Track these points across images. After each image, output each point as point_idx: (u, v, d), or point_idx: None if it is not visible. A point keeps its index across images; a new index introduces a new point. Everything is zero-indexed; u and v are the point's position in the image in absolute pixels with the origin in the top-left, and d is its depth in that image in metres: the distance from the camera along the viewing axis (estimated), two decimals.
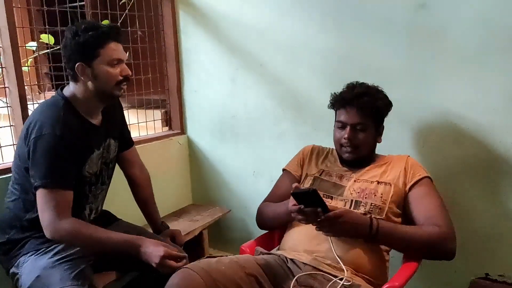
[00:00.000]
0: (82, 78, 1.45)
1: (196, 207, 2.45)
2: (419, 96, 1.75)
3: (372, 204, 1.47)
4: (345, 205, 1.49)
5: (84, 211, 1.55)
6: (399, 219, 1.51)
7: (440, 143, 1.75)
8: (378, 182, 1.52)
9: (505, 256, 1.68)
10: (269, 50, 2.11)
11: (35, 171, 1.40)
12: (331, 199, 1.53)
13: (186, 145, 2.51)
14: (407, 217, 1.51)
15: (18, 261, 1.45)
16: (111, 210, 1.76)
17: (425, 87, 1.73)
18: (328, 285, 1.33)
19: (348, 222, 1.35)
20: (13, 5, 1.71)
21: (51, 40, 2.01)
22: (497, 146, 1.63)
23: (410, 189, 1.50)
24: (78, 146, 1.45)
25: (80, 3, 2.19)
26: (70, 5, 2.10)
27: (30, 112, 1.76)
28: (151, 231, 1.75)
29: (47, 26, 1.96)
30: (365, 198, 1.49)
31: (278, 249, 1.59)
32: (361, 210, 1.46)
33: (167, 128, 2.53)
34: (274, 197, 1.68)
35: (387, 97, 1.57)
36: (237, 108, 2.28)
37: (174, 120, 2.51)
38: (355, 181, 1.55)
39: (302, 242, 1.48)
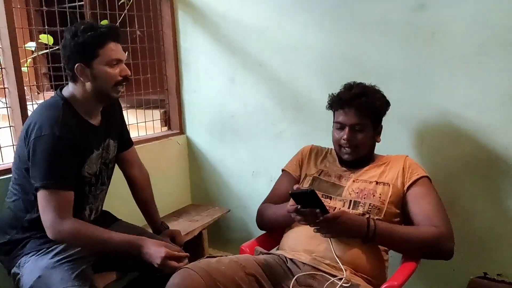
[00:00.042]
0: (81, 78, 1.45)
1: (195, 207, 2.46)
2: (418, 96, 1.76)
3: (371, 205, 1.47)
4: (343, 205, 1.50)
5: (84, 212, 1.55)
6: (398, 219, 1.52)
7: (438, 143, 1.75)
8: (377, 183, 1.52)
9: (503, 255, 1.69)
10: (268, 50, 2.11)
11: (35, 172, 1.40)
12: (330, 199, 1.54)
13: (185, 145, 2.52)
14: (406, 217, 1.52)
15: (19, 261, 1.46)
16: (111, 210, 1.77)
17: (424, 87, 1.74)
18: (326, 285, 1.34)
19: (346, 223, 1.36)
20: (13, 5, 1.71)
21: (50, 40, 2.01)
22: (496, 146, 1.63)
23: (408, 188, 1.51)
24: (78, 146, 1.45)
25: (79, 3, 2.19)
26: (69, 5, 2.10)
27: (29, 113, 1.76)
28: (151, 231, 1.76)
29: (46, 27, 1.96)
30: (364, 198, 1.49)
31: (278, 249, 1.60)
32: (360, 210, 1.47)
33: (166, 128, 2.54)
34: (273, 198, 1.69)
35: (384, 97, 1.58)
36: (236, 108, 2.28)
37: (173, 120, 2.51)
38: (354, 181, 1.56)
39: (302, 242, 1.48)
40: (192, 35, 2.35)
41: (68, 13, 1.99)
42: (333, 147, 1.65)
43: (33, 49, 2.13)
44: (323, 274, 1.38)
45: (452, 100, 1.69)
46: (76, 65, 1.43)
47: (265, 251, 1.57)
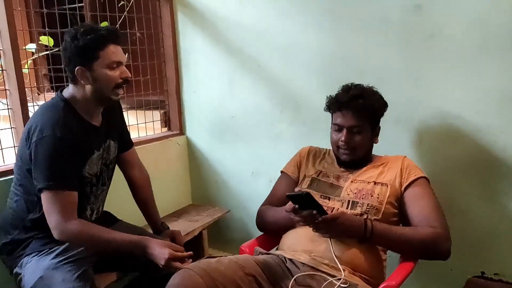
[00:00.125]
0: (81, 81, 1.46)
1: (195, 207, 2.47)
2: (416, 97, 1.77)
3: (369, 205, 1.48)
4: (342, 206, 1.51)
5: (85, 212, 1.57)
6: (396, 219, 1.53)
7: (436, 144, 1.76)
8: (375, 183, 1.54)
9: (500, 255, 1.70)
10: (267, 51, 2.12)
11: (38, 173, 1.41)
12: (329, 200, 1.55)
13: (185, 145, 2.53)
14: (404, 217, 1.53)
15: (21, 261, 1.47)
16: (111, 211, 1.78)
17: (422, 88, 1.75)
18: (324, 285, 1.35)
19: (345, 224, 1.38)
20: (13, 8, 1.72)
21: (51, 42, 2.02)
22: (493, 147, 1.65)
23: (405, 189, 1.52)
24: (79, 147, 1.46)
25: (79, 5, 2.20)
26: (69, 6, 2.10)
27: (30, 114, 1.77)
28: (151, 232, 1.77)
29: (46, 28, 1.97)
30: (362, 198, 1.50)
31: (277, 249, 1.61)
32: (358, 210, 1.48)
33: (166, 129, 2.55)
34: (273, 199, 1.70)
35: (382, 98, 1.59)
36: (236, 109, 2.29)
37: (173, 121, 2.52)
38: (352, 181, 1.57)
39: (301, 242, 1.49)
40: (192, 36, 2.36)
41: (68, 15, 1.99)
42: (331, 148, 1.67)
43: (33, 50, 2.14)
44: (322, 274, 1.39)
45: (450, 100, 1.70)
46: (76, 68, 1.44)
47: (265, 251, 1.58)
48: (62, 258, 1.43)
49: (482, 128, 1.65)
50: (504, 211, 1.67)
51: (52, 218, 1.40)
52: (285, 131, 2.15)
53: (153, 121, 2.42)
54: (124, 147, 1.75)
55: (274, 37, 2.08)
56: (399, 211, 1.53)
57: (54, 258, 1.43)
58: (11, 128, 1.79)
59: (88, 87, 1.47)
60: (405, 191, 1.52)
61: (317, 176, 1.64)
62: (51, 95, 1.81)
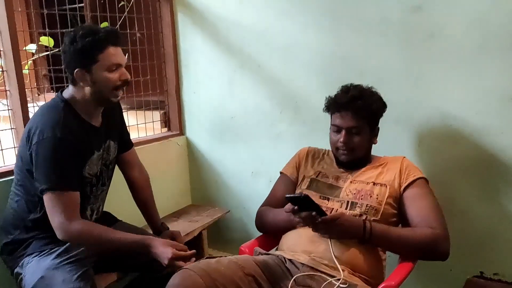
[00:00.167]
0: (81, 83, 1.46)
1: (195, 208, 2.47)
2: (416, 97, 1.77)
3: (368, 205, 1.49)
4: (341, 206, 1.52)
5: (85, 212, 1.57)
6: (395, 219, 1.53)
7: (436, 144, 1.77)
8: (374, 183, 1.54)
9: (499, 255, 1.70)
10: (267, 51, 2.12)
11: (39, 175, 1.41)
12: (328, 201, 1.55)
13: (185, 146, 2.53)
14: (403, 218, 1.54)
15: (22, 262, 1.48)
16: (111, 211, 1.78)
17: (421, 88, 1.75)
18: (323, 285, 1.35)
19: (344, 225, 1.38)
20: (14, 9, 1.73)
21: (51, 42, 2.02)
22: (493, 147, 1.65)
23: (404, 190, 1.52)
24: (79, 147, 1.46)
25: (79, 5, 2.20)
26: (69, 6, 2.10)
27: (30, 115, 1.77)
28: (151, 232, 1.77)
29: (47, 29, 1.97)
30: (361, 199, 1.51)
31: (277, 249, 1.62)
32: (357, 211, 1.48)
33: (166, 129, 2.55)
34: (272, 200, 1.71)
35: (381, 99, 1.59)
36: (236, 109, 2.30)
37: (173, 121, 2.52)
38: (351, 182, 1.57)
39: (300, 243, 1.50)
40: (192, 36, 2.36)
41: (68, 15, 2.00)
42: (330, 148, 1.67)
43: (33, 51, 2.14)
44: (322, 274, 1.40)
45: (450, 101, 1.70)
46: (75, 70, 1.44)
47: (264, 251, 1.58)
48: (63, 258, 1.44)
49: (482, 129, 1.66)
50: (503, 212, 1.67)
51: (55, 219, 1.41)
52: (285, 131, 2.16)
53: (153, 122, 2.42)
54: (124, 148, 1.76)
55: (274, 37, 2.08)
56: (398, 212, 1.54)
57: (55, 258, 1.44)
58: (11, 128, 1.79)
59: (87, 89, 1.47)
60: (404, 192, 1.52)
61: (316, 176, 1.64)
62: (51, 96, 1.82)
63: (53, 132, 1.40)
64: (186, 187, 2.56)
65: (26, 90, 1.79)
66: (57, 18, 1.97)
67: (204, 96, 2.40)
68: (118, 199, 1.82)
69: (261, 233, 1.74)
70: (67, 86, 1.54)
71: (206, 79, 2.37)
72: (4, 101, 1.83)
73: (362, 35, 1.85)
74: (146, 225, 1.84)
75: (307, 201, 1.34)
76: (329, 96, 1.61)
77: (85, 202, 1.55)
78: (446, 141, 1.74)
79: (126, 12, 2.26)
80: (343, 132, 1.54)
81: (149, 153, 2.21)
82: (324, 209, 1.43)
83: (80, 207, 1.49)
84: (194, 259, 1.44)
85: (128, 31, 2.26)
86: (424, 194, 1.51)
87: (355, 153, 1.57)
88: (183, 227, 2.14)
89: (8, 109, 1.79)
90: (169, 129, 2.55)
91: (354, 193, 1.53)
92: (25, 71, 1.90)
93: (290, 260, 1.47)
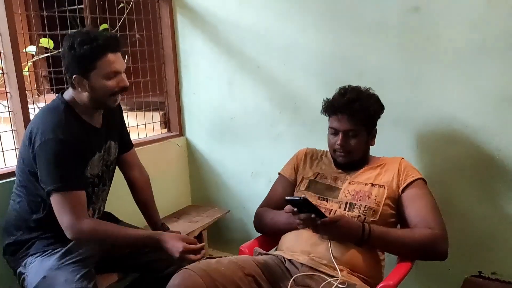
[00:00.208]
0: (79, 88, 1.47)
1: (195, 208, 2.48)
2: (415, 98, 1.78)
3: (366, 207, 1.50)
4: (339, 207, 1.53)
5: (87, 212, 1.58)
6: (394, 220, 1.54)
7: (435, 144, 1.77)
8: (372, 185, 1.55)
9: (497, 254, 1.71)
10: (266, 52, 2.13)
11: (44, 176, 1.42)
12: (326, 202, 1.56)
13: (185, 146, 2.54)
14: (401, 218, 1.55)
15: (25, 261, 1.49)
16: (112, 211, 1.78)
17: (420, 89, 1.76)
18: (322, 285, 1.37)
19: (344, 227, 1.40)
20: (14, 11, 1.73)
21: (51, 44, 2.03)
22: (491, 147, 1.66)
23: (403, 190, 1.53)
24: (81, 148, 1.47)
25: (79, 7, 2.21)
26: (69, 8, 2.11)
27: (31, 116, 1.78)
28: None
29: (46, 31, 1.98)
30: (359, 200, 1.52)
31: (276, 250, 1.63)
32: (355, 212, 1.49)
33: (166, 130, 2.56)
34: (270, 201, 1.72)
35: (379, 101, 1.59)
36: (235, 110, 2.30)
37: (173, 122, 2.53)
38: (349, 183, 1.58)
39: (300, 243, 1.51)
40: (191, 38, 2.37)
41: (68, 17, 2.00)
42: (328, 150, 1.68)
43: (33, 53, 2.15)
44: (321, 274, 1.41)
45: (448, 101, 1.71)
46: (73, 76, 1.44)
47: (264, 251, 1.59)
48: (65, 259, 1.45)
49: (480, 129, 1.66)
50: (502, 212, 1.68)
51: (64, 219, 1.42)
52: (284, 132, 2.17)
53: (152, 123, 2.43)
54: (124, 149, 1.77)
55: (274, 38, 2.09)
56: (396, 212, 1.55)
57: (57, 258, 1.45)
58: (12, 130, 1.80)
59: (85, 94, 1.47)
60: (402, 193, 1.53)
61: (315, 178, 1.65)
62: (51, 97, 1.82)
63: (55, 134, 1.41)
64: (186, 187, 2.57)
65: (26, 91, 1.79)
66: (57, 19, 1.98)
67: (203, 97, 2.41)
68: (119, 200, 1.82)
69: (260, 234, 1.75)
70: (68, 87, 1.55)
71: (206, 80, 2.37)
72: (4, 102, 1.83)
73: (361, 36, 1.85)
74: (146, 225, 1.85)
75: (307, 205, 1.35)
76: (327, 99, 1.61)
77: (87, 203, 1.56)
78: (445, 141, 1.75)
79: (125, 14, 2.27)
80: (340, 135, 1.55)
81: (149, 154, 2.22)
82: (323, 210, 1.44)
83: None
84: (203, 251, 1.46)
85: (127, 32, 2.27)
86: (423, 194, 1.51)
87: (352, 155, 1.57)
88: (183, 227, 2.15)
89: (9, 111, 1.79)
90: (169, 130, 2.56)
91: (353, 194, 1.54)
92: (25, 73, 1.91)
93: (289, 260, 1.48)
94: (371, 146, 1.64)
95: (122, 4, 2.27)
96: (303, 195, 1.46)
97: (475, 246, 1.75)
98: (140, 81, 2.34)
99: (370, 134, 1.60)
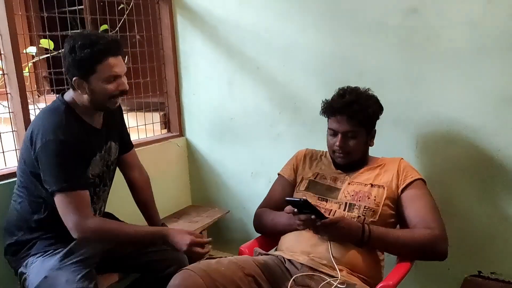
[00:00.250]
0: (78, 90, 1.47)
1: (195, 208, 2.48)
2: (414, 98, 1.78)
3: (366, 207, 1.50)
4: (339, 208, 1.53)
5: None
6: (393, 220, 1.55)
7: (435, 145, 1.78)
8: (372, 185, 1.55)
9: (497, 254, 1.72)
10: (266, 53, 2.14)
11: (48, 177, 1.42)
12: (326, 202, 1.57)
13: (185, 147, 2.54)
14: (401, 219, 1.55)
15: (26, 262, 1.50)
16: (112, 212, 1.79)
17: (420, 89, 1.77)
18: (321, 285, 1.37)
19: (344, 228, 1.40)
20: (14, 12, 1.74)
21: (51, 45, 2.03)
22: (490, 148, 1.66)
23: (402, 191, 1.54)
24: (81, 148, 1.48)
25: (79, 7, 2.21)
26: (69, 9, 2.11)
27: (31, 117, 1.78)
28: None
29: (47, 32, 1.98)
30: (359, 201, 1.52)
31: (276, 250, 1.63)
32: (355, 212, 1.50)
33: (166, 130, 2.56)
34: (270, 202, 1.73)
35: (378, 102, 1.59)
36: (235, 110, 2.31)
37: (173, 122, 2.54)
38: (349, 183, 1.58)
39: (299, 243, 1.51)
40: (191, 38, 2.37)
41: (68, 18, 2.01)
42: (327, 150, 1.68)
43: (33, 53, 2.15)
44: (321, 274, 1.41)
45: (447, 102, 1.72)
46: (73, 78, 1.45)
47: (264, 252, 1.60)
48: (67, 259, 1.45)
49: (479, 129, 1.67)
50: (501, 212, 1.69)
51: (69, 219, 1.42)
52: (284, 132, 2.17)
53: (153, 123, 2.44)
54: (124, 149, 1.77)
55: (273, 39, 2.10)
56: (396, 213, 1.55)
57: (59, 258, 1.45)
58: (13, 131, 1.80)
59: (85, 96, 1.48)
60: (402, 193, 1.54)
61: (315, 178, 1.66)
62: (51, 97, 1.83)
63: (55, 135, 1.41)
64: (186, 187, 2.58)
65: (26, 92, 1.80)
66: (57, 20, 1.98)
67: (203, 97, 2.42)
68: (119, 200, 1.83)
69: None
70: (68, 88, 1.56)
71: (206, 80, 2.38)
72: (4, 103, 1.84)
73: (361, 36, 1.86)
74: (146, 226, 1.85)
75: (307, 206, 1.36)
76: (325, 100, 1.61)
77: None
78: (445, 141, 1.75)
79: (125, 15, 2.27)
80: (339, 136, 1.55)
81: (149, 154, 2.22)
82: (322, 210, 1.45)
83: None
84: (210, 246, 1.48)
85: (127, 33, 2.27)
86: (422, 195, 1.52)
87: (351, 156, 1.58)
88: (183, 227, 2.15)
89: (10, 112, 1.80)
90: (169, 131, 2.56)
91: (352, 195, 1.54)
92: (26, 74, 1.91)
93: (289, 260, 1.49)
94: (370, 147, 1.64)
95: (122, 5, 2.28)
96: (304, 197, 1.46)
97: (475, 246, 1.75)
98: (140, 82, 2.34)
99: (369, 135, 1.60)
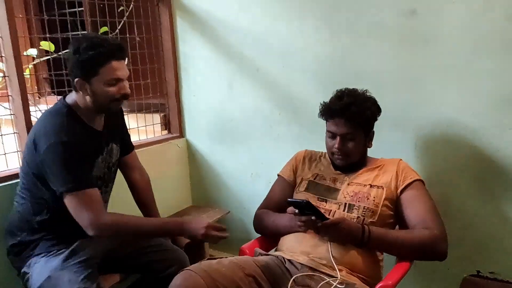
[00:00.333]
0: (80, 92, 1.49)
1: (195, 209, 2.49)
2: (412, 99, 1.79)
3: (365, 208, 1.51)
4: (338, 208, 1.54)
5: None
6: (392, 221, 1.56)
7: (433, 146, 1.79)
8: (371, 186, 1.56)
9: (496, 254, 1.73)
10: (265, 55, 2.14)
11: (55, 179, 1.43)
12: (326, 203, 1.58)
13: (185, 148, 2.55)
14: (400, 219, 1.56)
15: (30, 261, 1.51)
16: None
17: (417, 91, 1.77)
18: (321, 284, 1.38)
19: (345, 229, 1.41)
20: (15, 15, 1.75)
21: (51, 47, 2.04)
22: (488, 148, 1.67)
23: (401, 192, 1.54)
24: (84, 151, 1.49)
25: (79, 9, 2.22)
26: (69, 10, 2.12)
27: (33, 118, 1.79)
28: None
29: (47, 34, 1.99)
30: (358, 201, 1.53)
31: (276, 250, 1.64)
32: (354, 213, 1.51)
33: (166, 131, 2.57)
34: (270, 203, 1.73)
35: (375, 104, 1.59)
36: (235, 112, 2.32)
37: (173, 123, 2.55)
38: (348, 184, 1.59)
39: (299, 244, 1.52)
40: (191, 40, 2.38)
41: (68, 21, 2.02)
42: (326, 151, 1.69)
43: (34, 55, 2.16)
44: (321, 274, 1.42)
45: (445, 103, 1.72)
46: (76, 79, 1.46)
47: (264, 252, 1.61)
48: (70, 259, 1.47)
49: (478, 130, 1.68)
50: (500, 212, 1.70)
51: (83, 217, 1.42)
52: (283, 133, 2.18)
53: (153, 124, 2.45)
54: (125, 151, 1.78)
55: (273, 41, 2.10)
56: (395, 213, 1.56)
57: (62, 259, 1.47)
58: (14, 133, 1.81)
59: (87, 98, 1.49)
60: (401, 194, 1.54)
61: (314, 179, 1.67)
62: (52, 99, 1.83)
63: (58, 137, 1.42)
64: (187, 188, 2.59)
65: (27, 94, 1.80)
66: (57, 23, 1.99)
67: (203, 98, 2.42)
68: (120, 201, 1.83)
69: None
70: (69, 91, 1.57)
71: (206, 82, 2.39)
72: (4, 104, 1.84)
73: (359, 38, 1.87)
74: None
75: (309, 208, 1.38)
76: (324, 102, 1.61)
77: None
78: (444, 142, 1.76)
79: (125, 17, 2.28)
80: (338, 138, 1.55)
81: (149, 155, 2.23)
82: (322, 211, 1.46)
83: None
84: (227, 234, 1.50)
85: (127, 35, 2.28)
86: (421, 195, 1.53)
87: (350, 158, 1.59)
88: None
89: (11, 114, 1.80)
90: (169, 132, 2.57)
91: (352, 195, 1.55)
92: (26, 76, 1.92)
93: (289, 260, 1.50)
94: (369, 148, 1.65)
95: (122, 7, 2.29)
96: (305, 199, 1.47)
97: (474, 245, 1.76)
98: (140, 83, 2.35)
99: (367, 136, 1.61)
